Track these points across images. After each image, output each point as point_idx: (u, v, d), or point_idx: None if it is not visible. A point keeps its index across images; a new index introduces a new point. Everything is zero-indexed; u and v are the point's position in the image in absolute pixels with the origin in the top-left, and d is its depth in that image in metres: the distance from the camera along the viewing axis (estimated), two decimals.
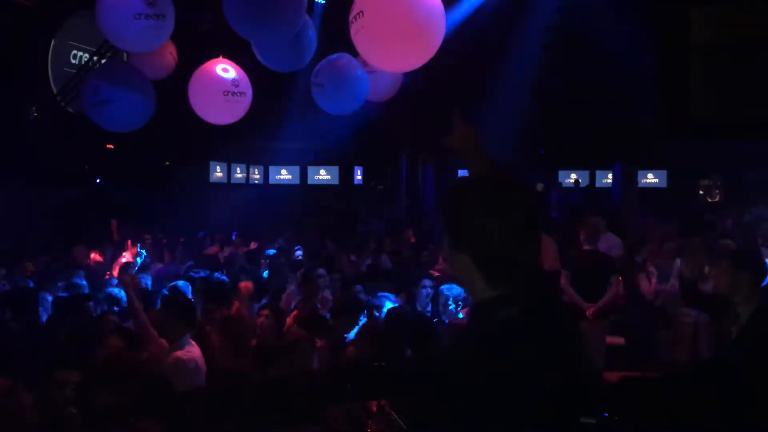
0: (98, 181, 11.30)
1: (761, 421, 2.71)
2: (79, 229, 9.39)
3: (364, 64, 6.04)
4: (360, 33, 4.56)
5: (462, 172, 16.88)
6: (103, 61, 8.39)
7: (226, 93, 6.39)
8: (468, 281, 1.40)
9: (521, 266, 1.37)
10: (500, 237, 1.34)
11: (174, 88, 7.42)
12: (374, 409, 2.87)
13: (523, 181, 1.43)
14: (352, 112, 6.62)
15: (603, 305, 5.78)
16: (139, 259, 6.94)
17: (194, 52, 7.14)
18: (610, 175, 15.68)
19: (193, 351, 3.90)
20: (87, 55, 9.05)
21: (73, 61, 9.07)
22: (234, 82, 6.46)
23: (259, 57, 6.28)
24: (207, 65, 6.64)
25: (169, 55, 6.81)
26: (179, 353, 3.82)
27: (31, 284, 6.28)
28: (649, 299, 6.37)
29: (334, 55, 6.36)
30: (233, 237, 10.12)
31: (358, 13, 4.51)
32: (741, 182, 12.40)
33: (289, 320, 4.72)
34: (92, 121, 6.18)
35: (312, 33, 6.25)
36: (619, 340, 6.14)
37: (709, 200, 12.69)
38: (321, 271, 5.53)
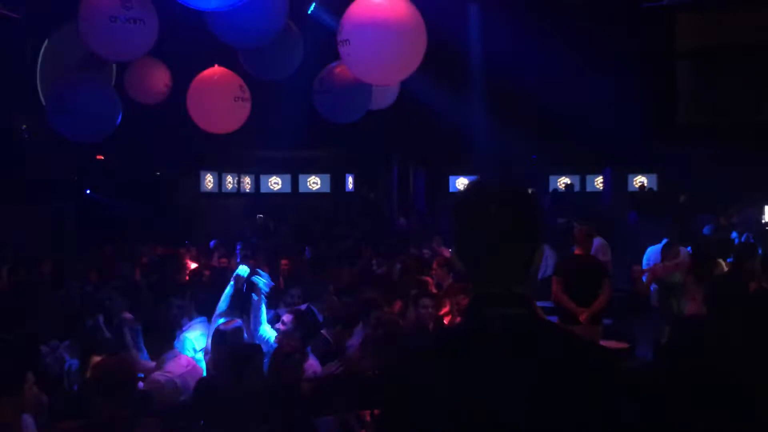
0: (88, 192, 11.23)
1: None
2: (69, 241, 9.33)
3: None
4: (348, 57, 4.99)
5: (453, 179, 17.01)
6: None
7: (236, 99, 6.37)
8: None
9: (508, 268, 1.37)
10: (481, 239, 1.37)
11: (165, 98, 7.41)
12: (368, 418, 2.86)
13: (518, 185, 1.42)
14: (356, 119, 6.60)
15: (595, 310, 5.81)
16: None
17: (184, 62, 7.12)
18: (600, 179, 15.79)
19: (175, 370, 3.82)
20: (76, 66, 9.01)
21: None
22: (242, 87, 6.44)
23: (245, 65, 6.26)
24: (212, 72, 6.57)
25: (164, 85, 6.76)
26: (156, 374, 3.77)
27: None
28: None
29: (337, 63, 6.32)
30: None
31: (345, 41, 4.87)
32: (731, 184, 12.48)
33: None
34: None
35: (298, 41, 6.24)
36: (621, 345, 6.10)
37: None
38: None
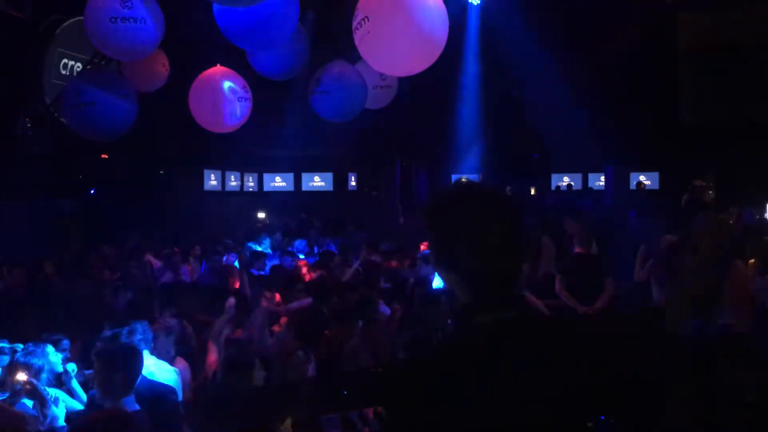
0: (92, 191, 11.26)
1: None
2: (72, 240, 9.35)
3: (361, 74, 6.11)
4: (365, 38, 4.53)
5: (455, 177, 17.03)
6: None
7: (240, 99, 6.42)
8: (452, 286, 1.40)
9: (498, 274, 1.36)
10: (473, 246, 1.34)
11: (166, 98, 7.43)
12: (371, 415, 2.88)
13: (498, 189, 1.42)
14: (351, 119, 6.63)
15: (598, 308, 5.81)
16: None
17: (186, 62, 7.15)
18: (602, 178, 15.77)
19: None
20: (80, 64, 9.04)
21: (63, 72, 9.05)
22: (244, 87, 6.49)
23: (254, 66, 6.30)
24: (214, 71, 6.61)
25: (162, 66, 6.76)
26: None
27: None
28: None
29: (334, 63, 6.36)
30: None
31: (363, 19, 4.47)
32: (733, 183, 12.49)
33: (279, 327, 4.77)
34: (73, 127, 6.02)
35: (305, 41, 6.28)
36: None
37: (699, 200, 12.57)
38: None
